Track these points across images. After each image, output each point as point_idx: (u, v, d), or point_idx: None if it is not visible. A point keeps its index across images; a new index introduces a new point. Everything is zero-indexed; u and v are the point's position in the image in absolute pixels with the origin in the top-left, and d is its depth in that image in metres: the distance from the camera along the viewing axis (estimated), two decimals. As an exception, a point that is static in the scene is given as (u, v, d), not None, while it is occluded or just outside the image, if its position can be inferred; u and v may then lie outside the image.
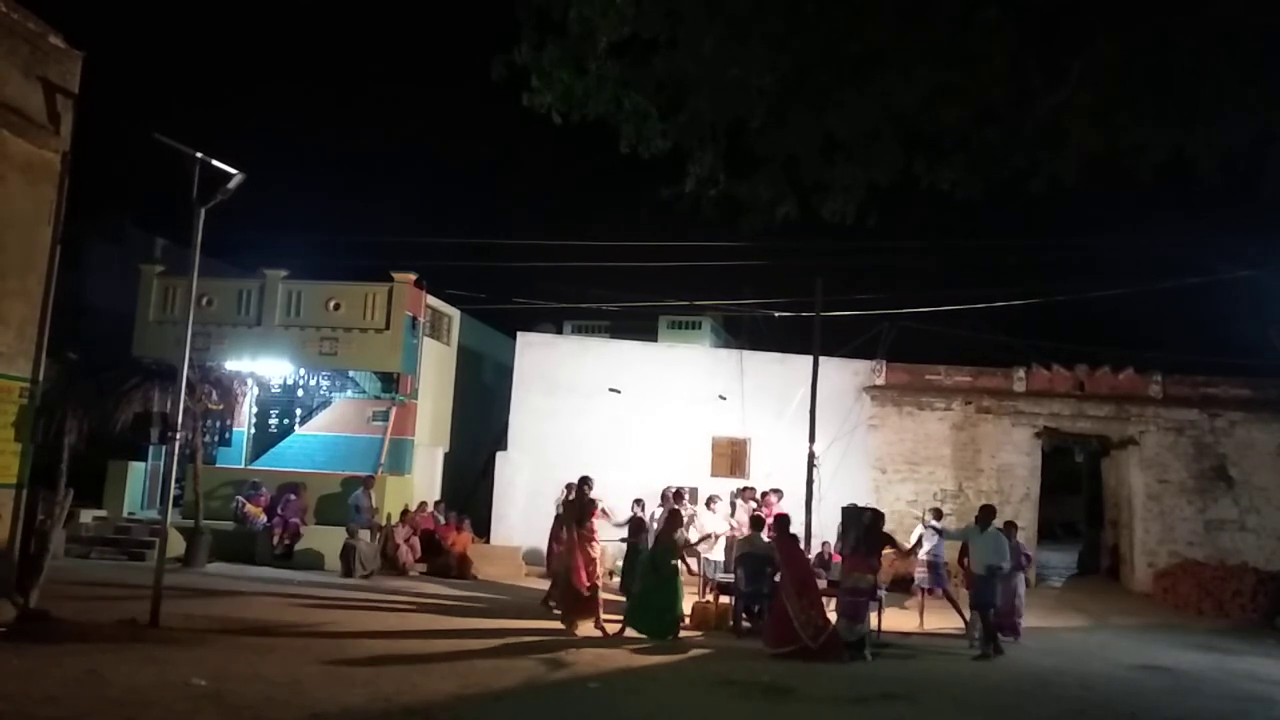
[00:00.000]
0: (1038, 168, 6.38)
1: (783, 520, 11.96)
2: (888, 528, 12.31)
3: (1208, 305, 23.48)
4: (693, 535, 13.76)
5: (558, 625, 11.82)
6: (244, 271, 19.94)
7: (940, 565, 13.85)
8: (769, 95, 6.16)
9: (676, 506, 13.07)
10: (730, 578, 12.71)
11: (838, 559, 14.77)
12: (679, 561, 11.96)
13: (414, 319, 19.10)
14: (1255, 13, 5.56)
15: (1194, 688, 10.41)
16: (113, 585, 12.69)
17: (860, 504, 15.94)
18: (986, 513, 12.42)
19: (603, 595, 11.93)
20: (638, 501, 14.54)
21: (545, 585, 13.99)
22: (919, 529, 14.27)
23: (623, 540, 13.85)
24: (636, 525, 13.69)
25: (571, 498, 13.73)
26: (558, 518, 14.04)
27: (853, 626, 10.93)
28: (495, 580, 16.59)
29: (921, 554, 13.87)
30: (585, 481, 12.46)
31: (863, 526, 11.98)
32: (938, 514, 14.93)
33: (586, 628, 11.53)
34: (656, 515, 13.93)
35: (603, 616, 11.62)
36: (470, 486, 21.55)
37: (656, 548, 12.11)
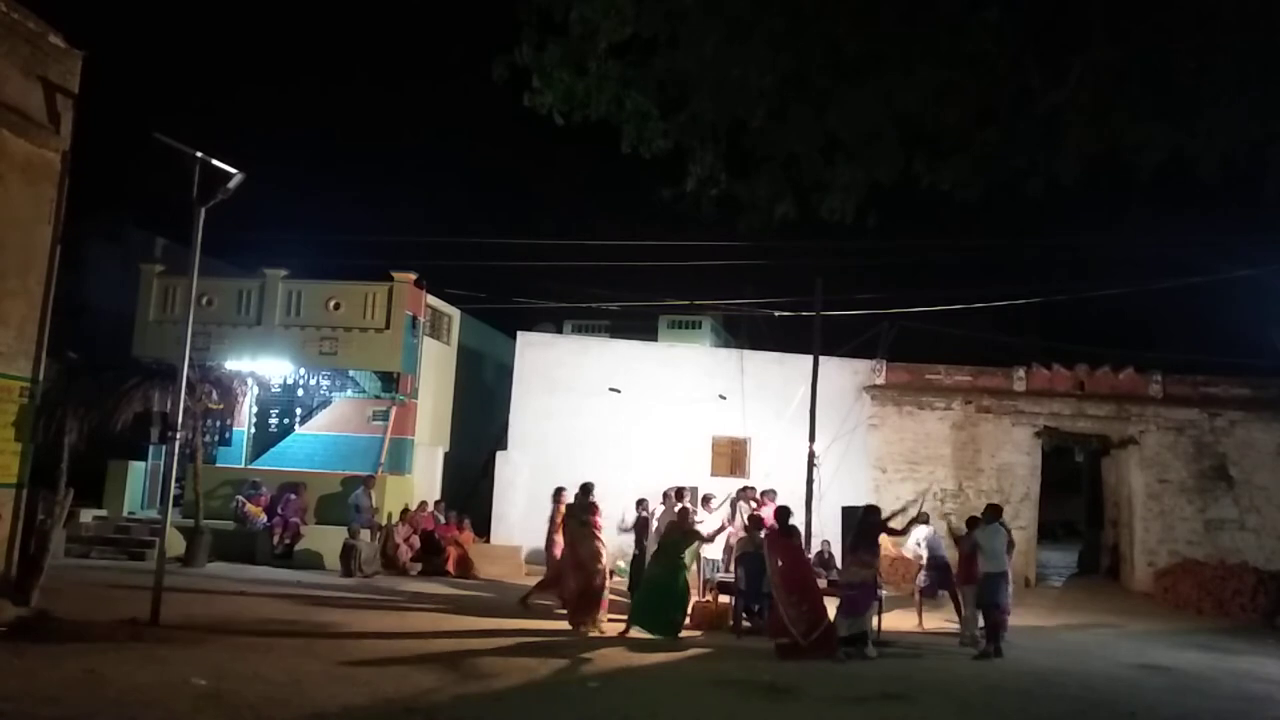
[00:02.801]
0: (1037, 168, 6.38)
1: (782, 513, 11.98)
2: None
3: (1208, 305, 23.48)
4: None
5: (557, 625, 11.83)
6: (244, 271, 19.94)
7: (944, 567, 13.57)
8: (769, 95, 6.17)
9: (685, 505, 13.04)
10: (730, 577, 12.71)
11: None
12: (690, 552, 11.95)
13: (414, 318, 19.10)
14: (1255, 13, 5.57)
15: (1194, 687, 10.40)
16: (113, 585, 12.69)
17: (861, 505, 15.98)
18: (994, 511, 12.44)
19: (603, 596, 11.94)
20: (640, 502, 14.48)
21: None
22: (921, 530, 14.09)
23: (628, 529, 13.91)
24: (641, 525, 13.69)
25: (567, 501, 13.80)
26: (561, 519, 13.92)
27: (850, 621, 10.93)
28: (495, 580, 16.59)
29: (920, 554, 13.81)
30: (586, 489, 12.48)
31: (855, 522, 12.05)
32: (925, 519, 14.45)
33: (592, 627, 11.53)
34: (658, 514, 13.90)
35: (603, 617, 11.61)
36: (470, 486, 21.56)
37: (668, 537, 12.12)
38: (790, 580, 11.03)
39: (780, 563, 11.14)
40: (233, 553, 16.49)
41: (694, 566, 12.55)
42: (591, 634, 11.39)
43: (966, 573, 12.25)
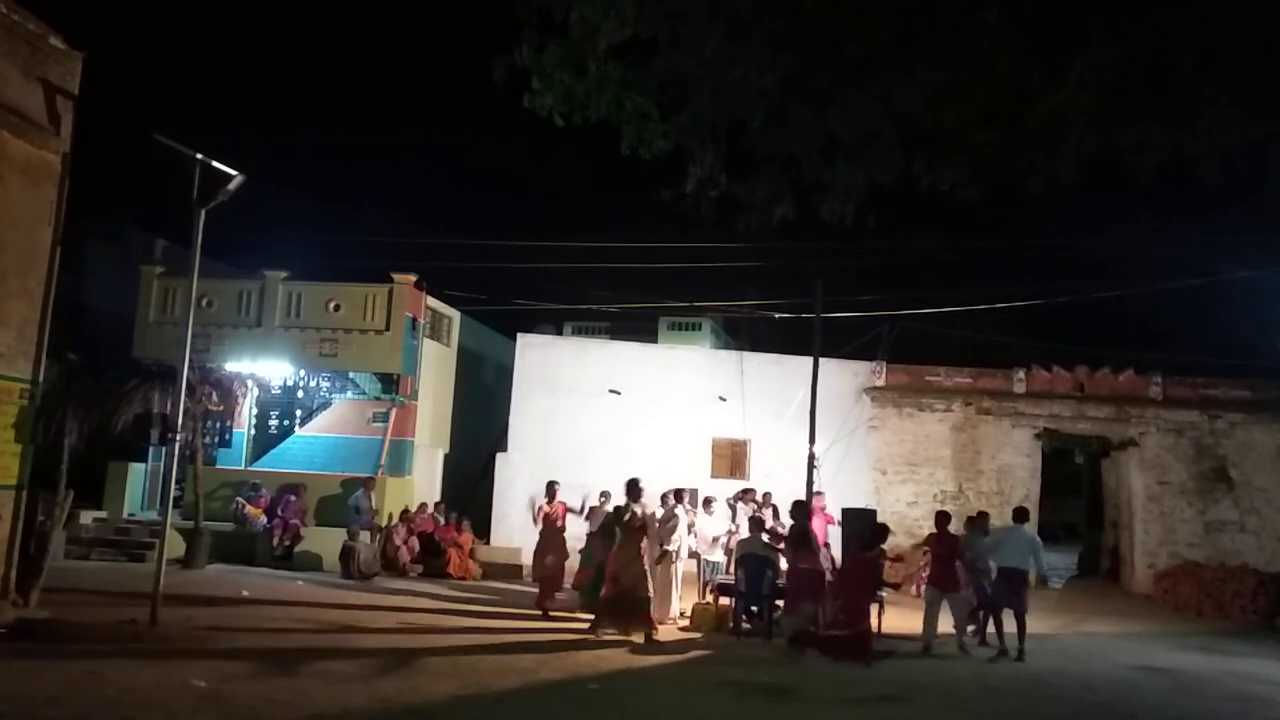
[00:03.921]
0: (1037, 168, 6.38)
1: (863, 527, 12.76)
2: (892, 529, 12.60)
3: (1208, 306, 23.51)
4: (691, 539, 13.79)
5: (555, 626, 11.85)
6: (244, 272, 19.93)
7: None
8: (770, 95, 6.16)
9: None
10: (730, 579, 12.72)
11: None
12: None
13: (414, 320, 19.10)
14: (1255, 13, 5.57)
15: (1194, 689, 10.41)
16: (113, 586, 12.68)
17: (862, 505, 16.07)
18: (1021, 513, 12.53)
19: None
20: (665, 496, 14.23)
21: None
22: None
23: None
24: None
25: (545, 504, 13.70)
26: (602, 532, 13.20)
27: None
28: (495, 581, 16.59)
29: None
30: (635, 489, 11.94)
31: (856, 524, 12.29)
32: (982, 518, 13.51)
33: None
34: (658, 516, 13.86)
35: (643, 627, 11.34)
36: (470, 487, 21.55)
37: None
38: (837, 587, 11.40)
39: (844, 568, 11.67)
40: (232, 554, 16.48)
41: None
42: (618, 637, 11.16)
43: (950, 577, 11.92)
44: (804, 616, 11.16)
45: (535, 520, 14.00)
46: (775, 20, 5.89)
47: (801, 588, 11.43)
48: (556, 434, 19.74)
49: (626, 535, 11.59)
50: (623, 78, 6.36)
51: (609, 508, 13.35)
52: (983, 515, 13.50)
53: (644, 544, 11.62)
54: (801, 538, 11.79)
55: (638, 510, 11.68)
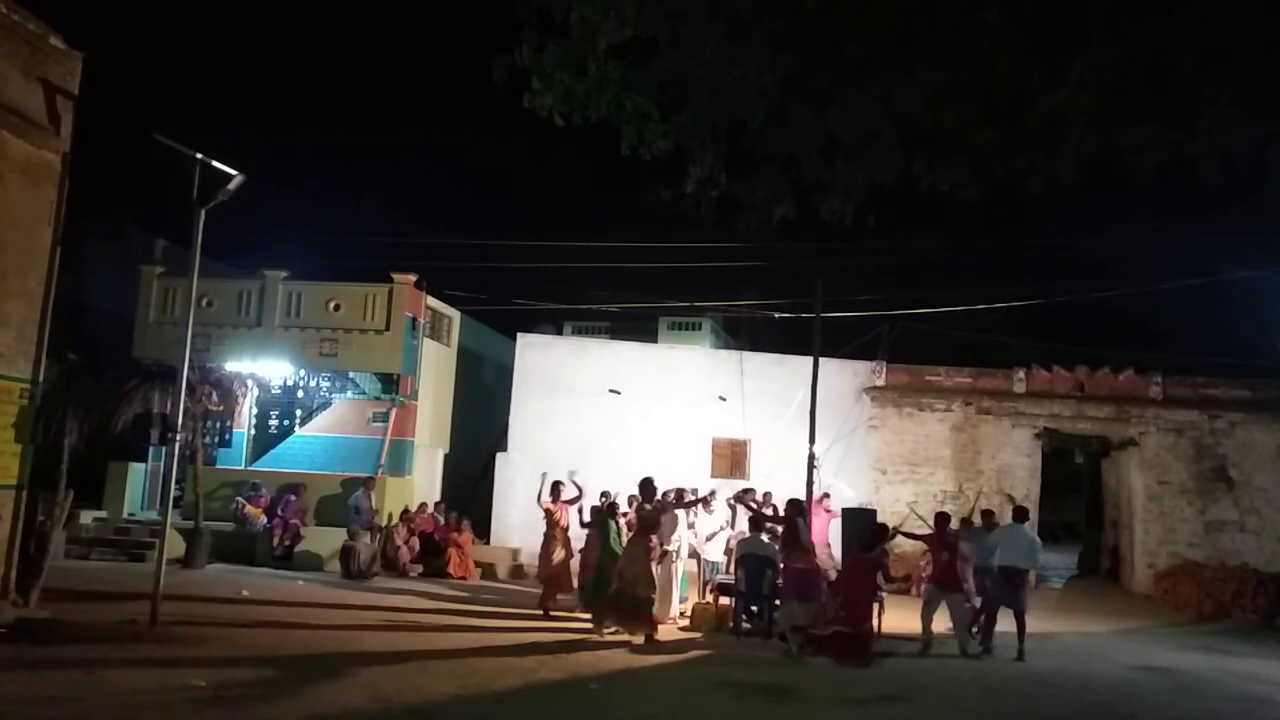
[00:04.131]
0: (1037, 168, 6.38)
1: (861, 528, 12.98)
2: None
3: (1208, 306, 23.49)
4: (691, 536, 13.80)
5: (556, 625, 11.83)
6: (244, 272, 19.93)
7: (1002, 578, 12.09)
8: (770, 95, 6.16)
9: (613, 500, 13.38)
10: (730, 579, 12.72)
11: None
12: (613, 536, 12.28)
13: (414, 320, 19.10)
14: (1255, 13, 5.57)
15: (1194, 689, 10.41)
16: (113, 586, 12.68)
17: (862, 505, 16.07)
18: (1020, 513, 12.57)
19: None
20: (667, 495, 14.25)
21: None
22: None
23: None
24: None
25: (549, 503, 13.67)
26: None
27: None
28: (495, 581, 16.59)
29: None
30: (648, 489, 12.02)
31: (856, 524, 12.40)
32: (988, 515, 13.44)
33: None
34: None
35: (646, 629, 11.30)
36: (470, 487, 21.55)
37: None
38: (838, 586, 11.59)
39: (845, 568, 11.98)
40: (232, 554, 16.48)
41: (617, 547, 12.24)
42: (616, 637, 11.20)
43: (952, 577, 11.87)
44: (793, 613, 11.13)
45: (538, 501, 13.99)
46: (775, 20, 5.89)
47: (793, 587, 11.38)
48: (556, 434, 19.72)
49: (635, 531, 11.80)
50: (623, 78, 6.36)
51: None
52: (988, 513, 13.49)
53: (653, 541, 11.68)
54: (793, 537, 11.76)
55: (648, 508, 11.78)
